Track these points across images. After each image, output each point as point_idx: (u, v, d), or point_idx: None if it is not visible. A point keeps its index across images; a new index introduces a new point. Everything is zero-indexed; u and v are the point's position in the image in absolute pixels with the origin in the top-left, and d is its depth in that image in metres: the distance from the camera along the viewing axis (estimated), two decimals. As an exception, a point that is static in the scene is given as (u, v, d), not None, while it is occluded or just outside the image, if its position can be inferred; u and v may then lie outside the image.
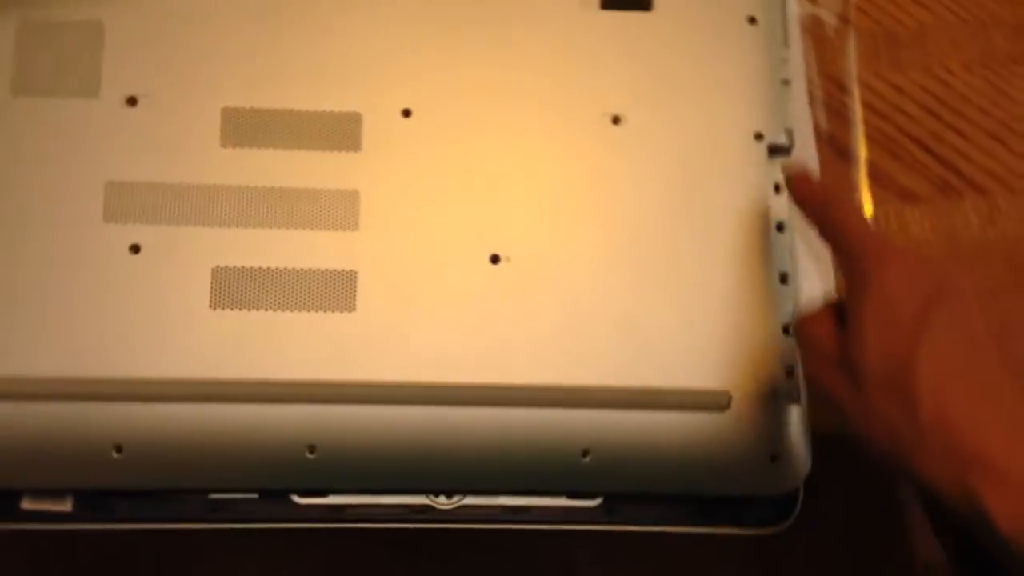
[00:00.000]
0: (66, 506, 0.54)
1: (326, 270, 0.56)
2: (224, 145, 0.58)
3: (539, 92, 0.60)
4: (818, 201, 0.52)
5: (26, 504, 0.54)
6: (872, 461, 0.46)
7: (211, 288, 0.56)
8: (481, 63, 0.60)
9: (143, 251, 0.56)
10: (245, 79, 0.59)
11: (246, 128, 0.58)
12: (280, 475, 0.55)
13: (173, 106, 0.58)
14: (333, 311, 0.56)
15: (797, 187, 0.53)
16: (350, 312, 0.56)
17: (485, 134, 0.59)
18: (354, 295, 0.56)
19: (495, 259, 0.57)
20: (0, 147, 0.56)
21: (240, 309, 0.56)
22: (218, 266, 0.56)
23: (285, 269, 0.56)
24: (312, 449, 0.55)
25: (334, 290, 0.56)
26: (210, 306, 0.55)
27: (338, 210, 0.57)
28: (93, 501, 0.54)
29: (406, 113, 0.59)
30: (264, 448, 0.54)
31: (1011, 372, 0.44)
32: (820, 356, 0.48)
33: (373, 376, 0.55)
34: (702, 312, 0.57)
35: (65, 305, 0.55)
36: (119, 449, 0.54)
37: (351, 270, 0.56)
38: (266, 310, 0.56)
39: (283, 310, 0.56)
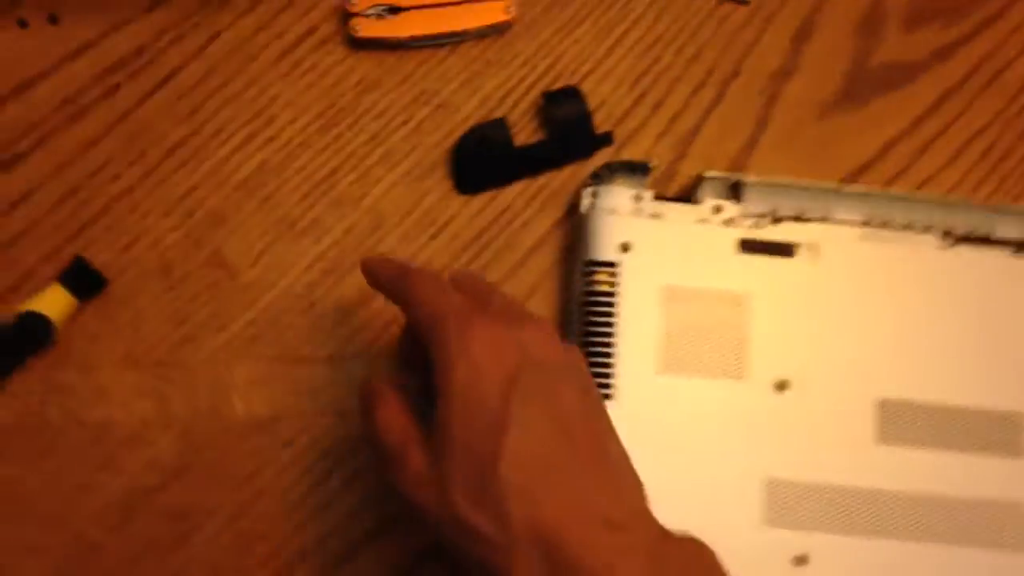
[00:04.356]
0: None
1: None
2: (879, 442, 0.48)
3: None
4: (393, 276, 0.41)
5: None
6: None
7: (878, 609, 0.46)
8: None
9: (809, 564, 0.46)
10: (900, 369, 0.49)
11: (902, 424, 0.48)
12: None
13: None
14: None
15: (368, 268, 0.42)
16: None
17: None
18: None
19: None
20: (644, 416, 0.47)
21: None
22: (885, 585, 0.46)
23: (954, 591, 0.47)
24: None
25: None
26: (881, 633, 0.46)
27: (1000, 525, 0.47)
28: None
29: (1070, 415, 0.49)
30: None
31: (599, 453, 0.37)
32: (400, 462, 0.37)
33: None
34: None
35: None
36: None
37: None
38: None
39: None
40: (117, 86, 0.52)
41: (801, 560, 0.46)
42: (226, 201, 0.51)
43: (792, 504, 0.47)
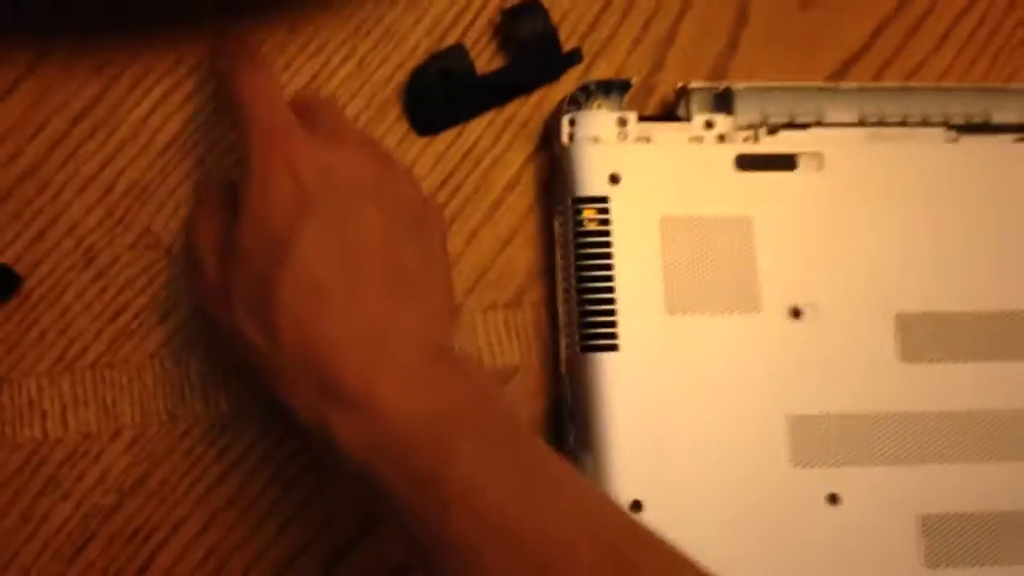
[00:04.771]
0: None
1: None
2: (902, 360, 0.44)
3: None
4: (230, 69, 0.39)
5: None
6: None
7: (922, 542, 0.43)
8: None
9: (842, 501, 0.43)
10: (917, 279, 0.45)
11: (925, 337, 0.44)
12: None
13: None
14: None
15: (217, 50, 0.42)
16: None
17: None
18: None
19: None
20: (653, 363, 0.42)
21: (958, 567, 0.43)
22: (925, 514, 0.43)
23: (1000, 513, 0.43)
24: None
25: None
26: (925, 564, 0.43)
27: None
28: None
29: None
30: None
31: (393, 281, 0.36)
32: (198, 267, 0.37)
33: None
34: None
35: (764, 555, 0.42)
36: None
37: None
38: (988, 566, 0.43)
39: (1008, 564, 0.43)
40: (3, 46, 0.44)
41: (834, 498, 0.42)
42: (150, 170, 0.44)
43: (819, 440, 0.43)
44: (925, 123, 0.47)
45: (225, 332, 0.36)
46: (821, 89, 0.46)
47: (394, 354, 0.34)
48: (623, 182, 0.43)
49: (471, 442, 0.33)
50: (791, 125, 0.46)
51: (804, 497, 0.42)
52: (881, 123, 0.46)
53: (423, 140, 0.46)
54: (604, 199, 0.43)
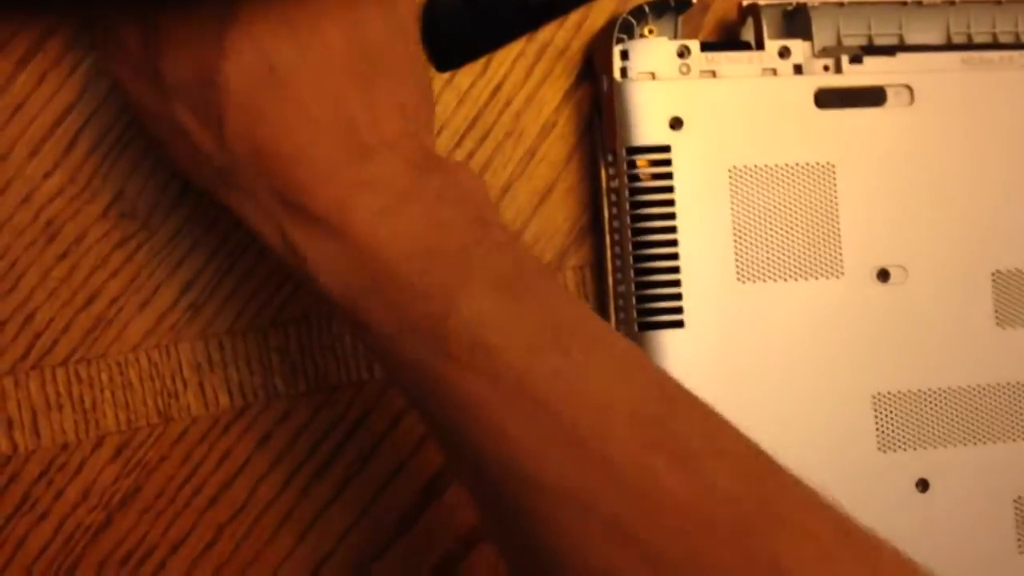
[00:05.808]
0: None
1: None
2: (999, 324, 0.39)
3: None
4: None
5: None
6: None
7: (1019, 528, 0.38)
8: None
9: (931, 488, 0.38)
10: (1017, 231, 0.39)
11: (1024, 300, 0.39)
12: None
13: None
14: None
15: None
16: None
17: None
18: None
19: None
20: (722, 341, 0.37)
21: (1057, 552, 0.38)
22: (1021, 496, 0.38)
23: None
24: None
25: None
26: (1021, 552, 0.38)
27: None
28: None
29: None
30: None
31: (359, 57, 0.29)
32: (124, 51, 0.30)
33: None
34: None
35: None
36: None
37: None
38: (1091, 551, 0.38)
39: (1112, 551, 0.38)
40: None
41: (924, 484, 0.37)
42: (119, 121, 0.36)
43: (907, 420, 0.38)
44: (1018, 41, 0.40)
45: (154, 125, 0.29)
46: (903, 3, 0.39)
47: (370, 159, 0.28)
48: (686, 127, 0.37)
49: (474, 284, 0.27)
50: (869, 49, 0.39)
51: (891, 485, 0.37)
52: (969, 43, 0.40)
53: (443, 77, 0.38)
54: (665, 148, 0.36)
